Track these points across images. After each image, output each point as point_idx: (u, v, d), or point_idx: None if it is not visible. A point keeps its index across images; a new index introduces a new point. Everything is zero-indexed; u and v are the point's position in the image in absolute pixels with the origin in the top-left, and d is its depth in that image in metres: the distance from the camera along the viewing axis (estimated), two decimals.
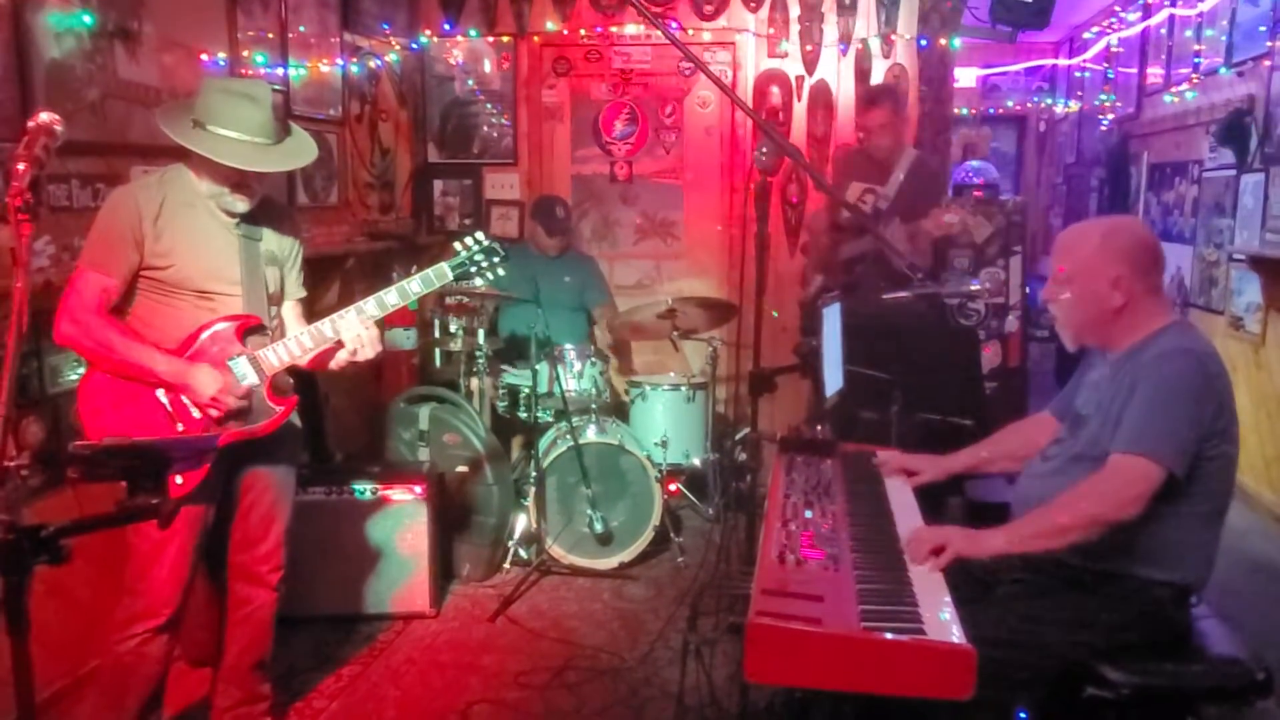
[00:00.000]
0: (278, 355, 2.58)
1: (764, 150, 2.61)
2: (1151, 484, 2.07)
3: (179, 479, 2.41)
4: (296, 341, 2.60)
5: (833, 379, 2.97)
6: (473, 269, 2.77)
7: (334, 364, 2.70)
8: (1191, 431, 2.10)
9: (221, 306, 2.54)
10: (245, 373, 2.53)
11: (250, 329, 2.58)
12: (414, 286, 2.67)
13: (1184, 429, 2.09)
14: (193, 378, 2.42)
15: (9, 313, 1.56)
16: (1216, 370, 2.17)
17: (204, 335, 2.51)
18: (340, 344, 2.64)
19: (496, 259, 2.78)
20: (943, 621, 1.81)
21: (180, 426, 2.47)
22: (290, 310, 2.80)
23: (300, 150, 2.61)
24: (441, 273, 2.71)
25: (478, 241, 2.77)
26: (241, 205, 2.54)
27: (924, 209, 4.30)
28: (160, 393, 2.46)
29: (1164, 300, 2.29)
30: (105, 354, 2.41)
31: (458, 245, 2.78)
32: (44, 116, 1.68)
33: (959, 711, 1.83)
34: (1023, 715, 2.25)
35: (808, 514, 2.30)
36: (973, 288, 3.96)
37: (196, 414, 2.48)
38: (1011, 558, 2.36)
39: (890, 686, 1.73)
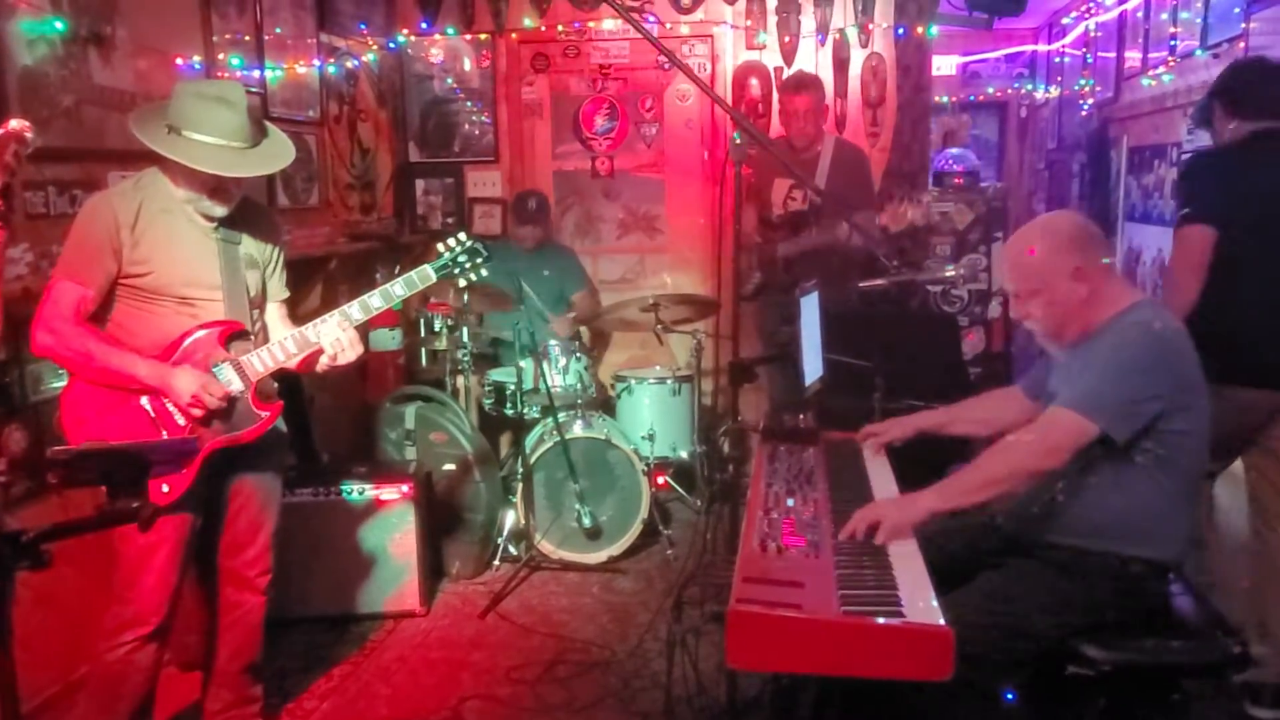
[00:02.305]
0: (262, 361, 2.57)
1: (737, 141, 2.62)
2: (1077, 437, 2.10)
3: (165, 487, 2.41)
4: (280, 346, 2.59)
5: (812, 368, 2.98)
6: (456, 270, 2.76)
7: (319, 368, 2.71)
8: (1134, 398, 2.11)
9: (203, 312, 2.54)
10: (229, 379, 2.52)
11: (233, 335, 2.57)
12: (397, 289, 2.67)
13: (1125, 394, 2.11)
14: (173, 379, 2.42)
15: None
16: (1176, 345, 2.19)
17: (187, 342, 2.50)
18: (321, 349, 2.64)
19: (480, 259, 2.77)
20: (921, 604, 1.83)
21: (164, 433, 2.47)
22: (275, 312, 2.79)
23: (278, 152, 2.59)
24: (425, 275, 2.70)
25: (460, 242, 2.76)
26: (220, 210, 2.53)
27: (856, 194, 4.33)
28: (144, 400, 2.46)
29: (1119, 278, 2.33)
30: (84, 362, 2.40)
31: (440, 246, 2.77)
32: (14, 123, 1.68)
33: (945, 695, 1.85)
34: (1010, 696, 2.27)
35: (789, 502, 2.32)
36: (947, 273, 3.98)
37: (181, 420, 2.48)
38: (990, 538, 2.40)
39: (870, 669, 1.75)
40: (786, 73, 5.25)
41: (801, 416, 2.90)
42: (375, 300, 2.65)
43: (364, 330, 2.71)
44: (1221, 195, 2.87)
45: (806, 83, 4.55)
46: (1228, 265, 2.80)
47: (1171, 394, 2.14)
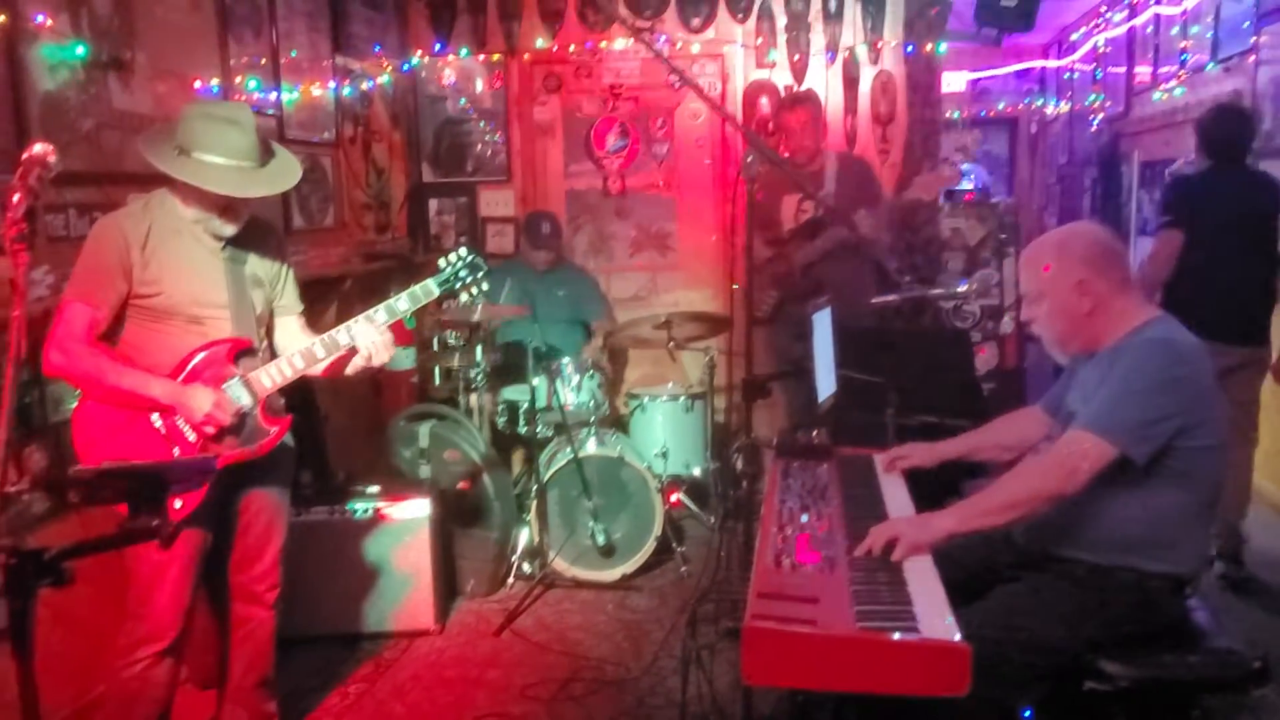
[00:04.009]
0: (270, 377, 2.60)
1: (749, 158, 2.64)
2: (1097, 461, 2.10)
3: (177, 503, 2.43)
4: (288, 362, 2.62)
5: (825, 384, 2.99)
6: (457, 284, 2.78)
7: (350, 369, 2.74)
8: (1154, 418, 2.11)
9: (211, 330, 2.56)
10: (239, 395, 2.55)
11: (241, 352, 2.60)
12: (402, 304, 2.69)
13: (1146, 414, 2.11)
14: (188, 396, 2.44)
15: (8, 342, 1.59)
16: (1194, 362, 2.18)
17: (195, 359, 2.53)
18: (353, 350, 2.66)
19: (480, 273, 2.79)
20: (937, 619, 1.82)
21: (176, 450, 2.49)
22: (295, 324, 2.83)
23: (285, 171, 2.62)
24: (428, 289, 2.72)
25: (460, 257, 2.78)
26: (229, 229, 2.56)
27: (866, 199, 4.32)
28: (155, 417, 2.49)
29: (1137, 294, 2.32)
30: (96, 382, 2.43)
31: (442, 261, 2.79)
32: (37, 148, 1.71)
33: (961, 712, 1.84)
34: (1028, 714, 2.26)
35: (804, 518, 2.32)
36: (959, 289, 3.98)
37: (191, 436, 2.50)
38: (1006, 552, 2.39)
39: (885, 685, 1.74)
40: (797, 91, 5.29)
41: (815, 433, 2.90)
42: (380, 315, 2.67)
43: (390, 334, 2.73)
44: (1190, 209, 3.97)
45: (799, 98, 4.57)
46: (1193, 257, 3.90)
47: (1189, 410, 2.12)
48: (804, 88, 5.27)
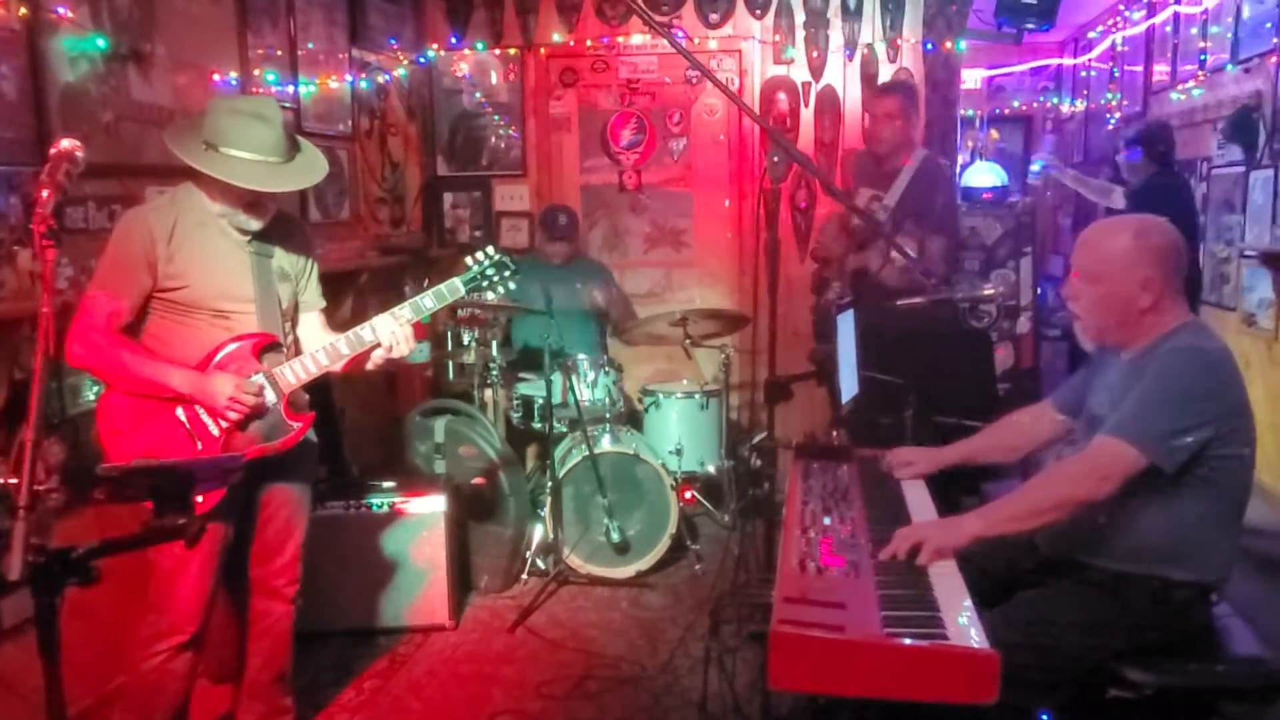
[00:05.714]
0: (294, 372, 2.60)
1: (775, 157, 2.62)
2: (1126, 468, 2.07)
3: (199, 497, 2.42)
4: (312, 358, 2.62)
5: (848, 385, 2.97)
6: (484, 283, 2.78)
7: (370, 364, 2.74)
8: (1185, 428, 2.07)
9: (237, 324, 2.56)
10: (264, 390, 2.55)
11: (266, 347, 2.60)
12: (427, 302, 2.69)
13: (1176, 423, 2.08)
14: (209, 383, 2.45)
15: (30, 334, 1.59)
16: (1226, 371, 2.16)
17: (220, 354, 2.53)
18: (375, 345, 2.66)
19: (508, 272, 2.79)
20: (964, 626, 1.81)
21: (199, 444, 2.49)
22: (316, 320, 2.83)
23: (312, 166, 2.62)
24: (454, 288, 2.72)
25: (488, 256, 2.78)
26: (255, 224, 2.56)
27: (928, 215, 4.09)
28: (179, 410, 2.49)
29: (1182, 301, 2.28)
30: (117, 373, 2.43)
31: (469, 260, 2.79)
32: (65, 143, 1.70)
33: (981, 716, 1.83)
34: (1045, 718, 2.25)
35: (826, 520, 2.30)
36: (985, 291, 3.93)
37: (214, 430, 2.50)
38: (1029, 558, 2.37)
39: (913, 692, 1.73)
40: (815, 88, 5.27)
41: (834, 433, 2.88)
42: (406, 312, 2.67)
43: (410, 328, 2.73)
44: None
45: (888, 86, 4.47)
46: None
47: (1219, 420, 2.10)
48: (824, 83, 5.22)
